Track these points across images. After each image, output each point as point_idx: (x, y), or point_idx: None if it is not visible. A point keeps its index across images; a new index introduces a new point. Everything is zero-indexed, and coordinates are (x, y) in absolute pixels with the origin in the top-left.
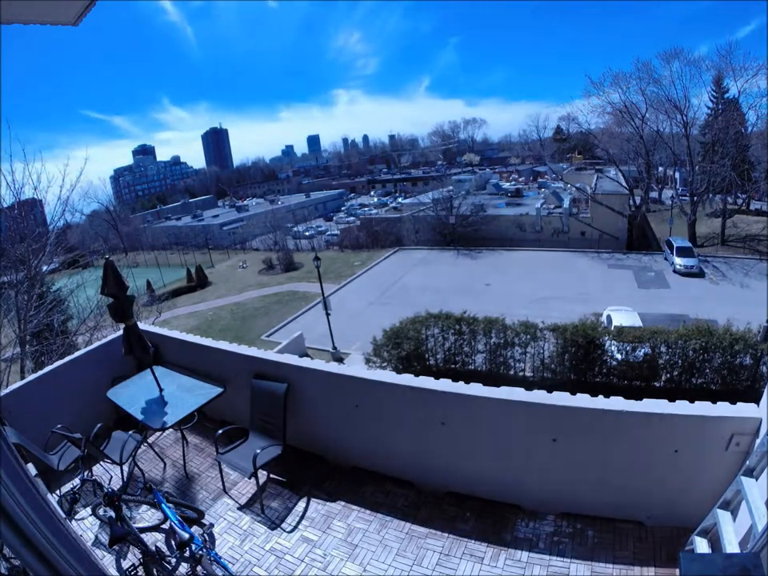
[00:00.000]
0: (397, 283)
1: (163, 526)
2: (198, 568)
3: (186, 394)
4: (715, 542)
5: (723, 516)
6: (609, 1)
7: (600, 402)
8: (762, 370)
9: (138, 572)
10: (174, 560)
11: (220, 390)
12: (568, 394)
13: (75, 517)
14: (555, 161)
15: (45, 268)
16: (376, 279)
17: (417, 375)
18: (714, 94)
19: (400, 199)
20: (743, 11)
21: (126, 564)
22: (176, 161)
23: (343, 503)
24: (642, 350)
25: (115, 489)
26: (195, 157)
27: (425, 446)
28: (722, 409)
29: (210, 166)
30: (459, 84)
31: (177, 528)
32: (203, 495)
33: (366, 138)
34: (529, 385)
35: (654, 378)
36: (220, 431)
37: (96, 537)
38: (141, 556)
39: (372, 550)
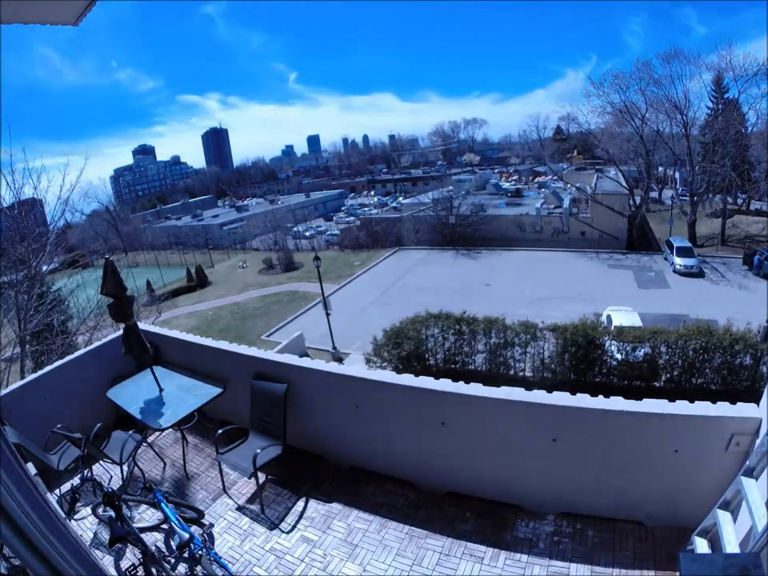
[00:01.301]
0: (397, 283)
1: (163, 526)
2: (198, 568)
3: (186, 393)
4: (715, 542)
5: (723, 516)
6: None
7: (600, 402)
8: (762, 369)
9: (137, 572)
10: (173, 560)
11: (220, 390)
12: (568, 394)
13: (75, 517)
14: (555, 161)
15: (45, 268)
16: (376, 279)
17: (417, 375)
18: (714, 94)
19: (400, 199)
20: None
21: (125, 564)
22: (176, 161)
23: (343, 503)
24: (642, 350)
25: (115, 489)
26: (195, 157)
27: (425, 446)
28: (722, 409)
29: (210, 166)
30: (334, 72)
31: (177, 528)
32: (203, 495)
33: (366, 137)
34: (529, 385)
35: (654, 378)
36: (220, 431)
37: (96, 537)
38: (141, 556)
39: (372, 550)
